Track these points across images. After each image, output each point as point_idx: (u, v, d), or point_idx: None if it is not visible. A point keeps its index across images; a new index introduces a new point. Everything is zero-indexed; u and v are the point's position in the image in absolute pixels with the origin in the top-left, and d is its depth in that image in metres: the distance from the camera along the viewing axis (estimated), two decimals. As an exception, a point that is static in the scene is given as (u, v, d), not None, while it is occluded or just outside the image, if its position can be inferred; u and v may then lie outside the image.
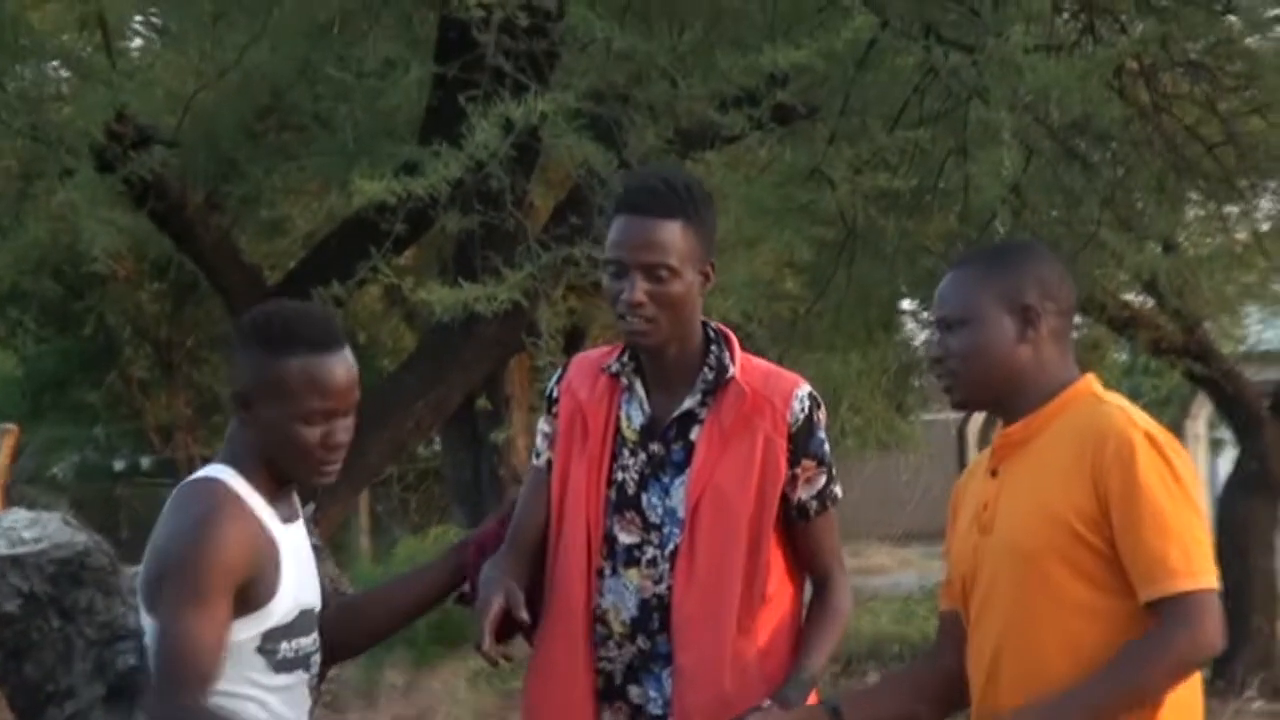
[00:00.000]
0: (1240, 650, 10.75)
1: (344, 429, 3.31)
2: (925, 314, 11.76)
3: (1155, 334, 11.17)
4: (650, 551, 3.58)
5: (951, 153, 6.99)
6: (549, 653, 3.60)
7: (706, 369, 3.62)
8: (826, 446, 3.68)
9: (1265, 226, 9.34)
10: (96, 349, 16.34)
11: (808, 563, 3.66)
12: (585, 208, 7.37)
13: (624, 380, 3.64)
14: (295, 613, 3.32)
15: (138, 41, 10.00)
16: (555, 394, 3.72)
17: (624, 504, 3.60)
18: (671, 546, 3.57)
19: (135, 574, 3.50)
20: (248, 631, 3.27)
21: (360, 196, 6.62)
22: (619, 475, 3.61)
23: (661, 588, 3.57)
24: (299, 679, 3.37)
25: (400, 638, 7.93)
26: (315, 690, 3.44)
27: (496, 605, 3.45)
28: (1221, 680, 10.63)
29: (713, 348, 3.63)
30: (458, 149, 6.54)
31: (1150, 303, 11.05)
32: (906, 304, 11.66)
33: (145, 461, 18.50)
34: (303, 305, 3.45)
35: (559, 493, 3.63)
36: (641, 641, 3.58)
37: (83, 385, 17.27)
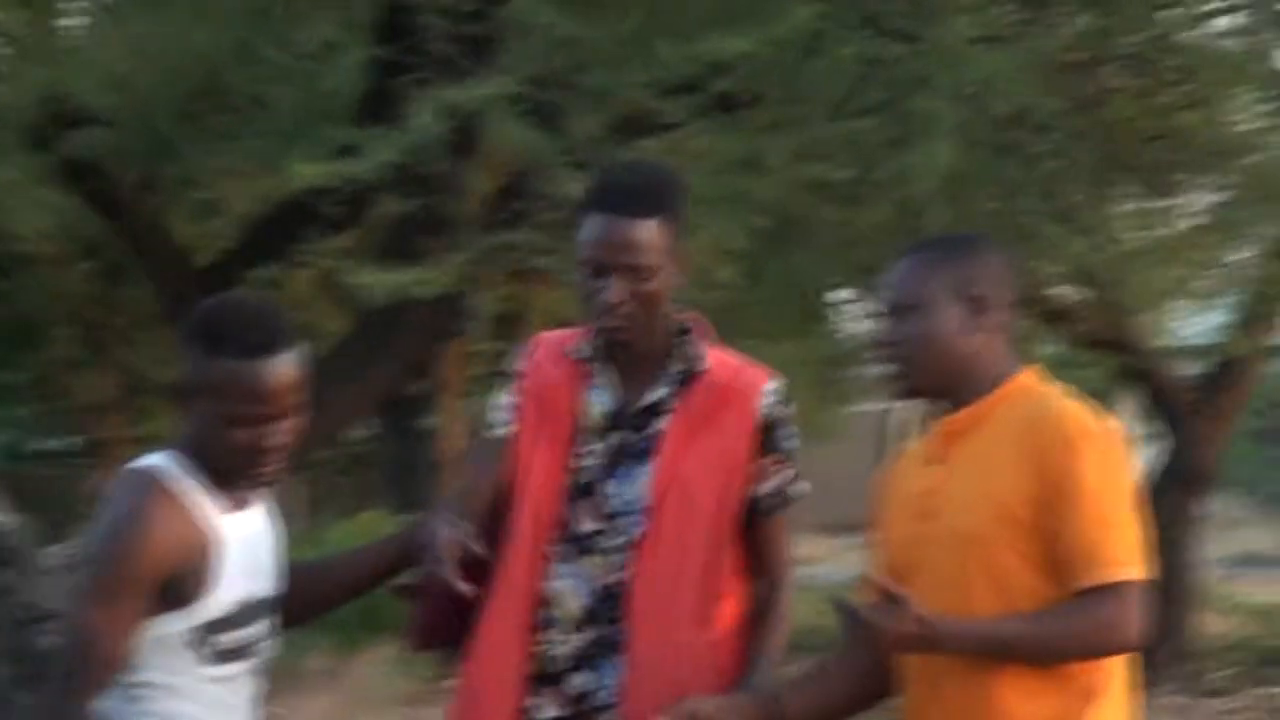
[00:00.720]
0: (1161, 643, 10.83)
1: (279, 432, 3.25)
2: (858, 304, 11.81)
3: (1085, 327, 11.23)
4: (609, 540, 3.57)
5: (890, 143, 7.01)
6: (489, 633, 3.58)
7: (677, 360, 3.60)
8: (791, 443, 3.67)
9: (1197, 221, 9.42)
10: (23, 329, 16.19)
11: (759, 560, 3.65)
12: (525, 194, 7.35)
13: (591, 366, 3.62)
14: (236, 604, 3.28)
15: (75, 20, 9.90)
16: (519, 369, 3.70)
17: (583, 491, 3.58)
18: (631, 536, 3.56)
19: (57, 555, 3.47)
20: (180, 624, 3.23)
21: (297, 179, 6.58)
22: (580, 461, 3.59)
23: (618, 577, 3.55)
24: (241, 668, 3.33)
25: (330, 620, 7.90)
26: (263, 675, 3.41)
27: (450, 534, 3.37)
28: (1142, 672, 10.69)
29: (683, 338, 3.62)
30: (397, 133, 6.52)
31: (1081, 295, 11.11)
32: (837, 295, 11.68)
33: (72, 442, 18.35)
34: (251, 304, 3.38)
35: (520, 473, 3.60)
36: (595, 630, 3.57)
37: (8, 365, 17.11)
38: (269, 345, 3.24)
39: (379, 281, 6.80)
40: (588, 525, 3.58)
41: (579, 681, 3.58)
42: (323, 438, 8.98)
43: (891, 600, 3.20)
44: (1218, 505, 14.80)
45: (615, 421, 3.61)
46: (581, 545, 3.58)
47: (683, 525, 3.55)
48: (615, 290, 3.51)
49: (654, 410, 3.60)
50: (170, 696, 3.25)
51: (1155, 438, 12.46)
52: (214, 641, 3.26)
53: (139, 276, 10.98)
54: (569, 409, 3.62)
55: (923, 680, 3.38)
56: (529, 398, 3.65)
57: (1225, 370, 11.36)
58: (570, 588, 3.58)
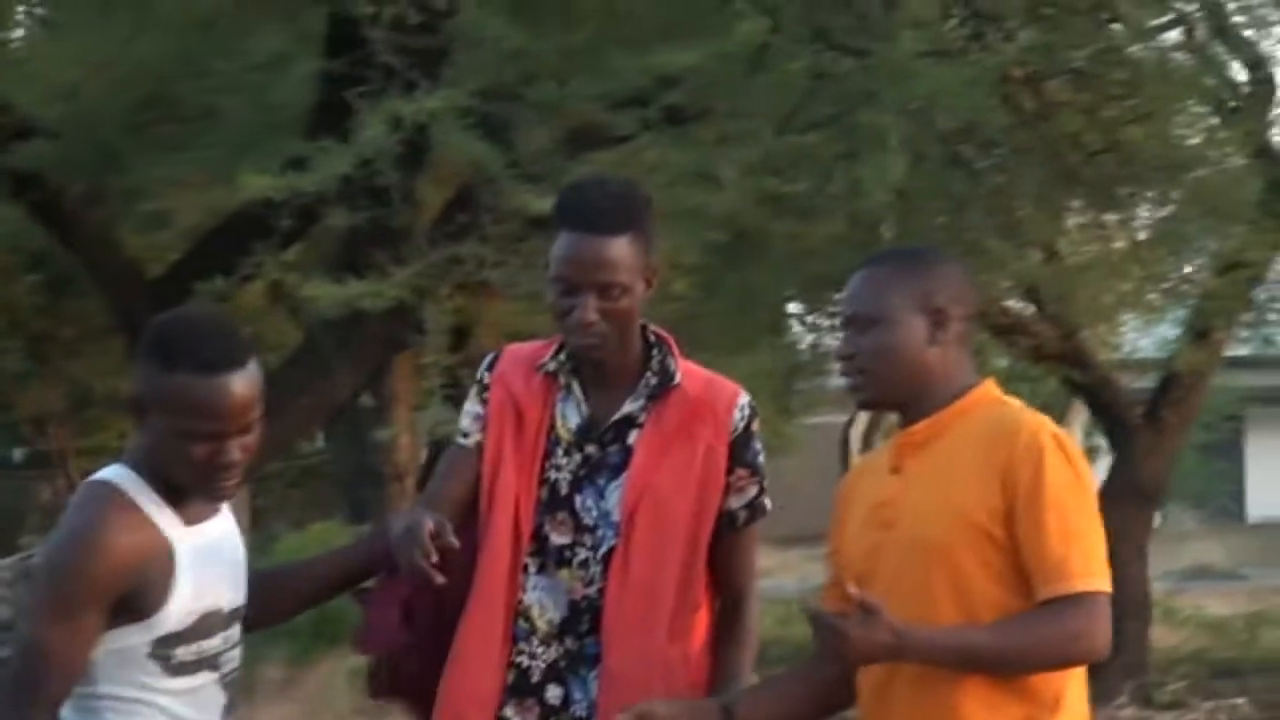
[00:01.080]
0: (1113, 656, 10.82)
1: (235, 448, 3.24)
2: (812, 317, 11.82)
3: (1034, 341, 11.26)
4: (582, 553, 3.58)
5: (840, 157, 7.03)
6: (466, 645, 3.58)
7: (649, 374, 3.61)
8: (761, 457, 3.69)
9: (1143, 235, 9.46)
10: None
11: (726, 574, 3.66)
12: (474, 206, 7.34)
13: (561, 379, 3.63)
14: (195, 616, 3.27)
15: (20, 32, 9.85)
16: (486, 380, 3.70)
17: (556, 504, 3.59)
18: (605, 549, 3.57)
19: (5, 566, 3.45)
20: (137, 638, 3.22)
21: (247, 191, 6.56)
22: (552, 475, 3.60)
23: (592, 590, 3.56)
24: (204, 680, 3.32)
25: (285, 630, 7.87)
26: (231, 686, 3.39)
27: (428, 523, 3.35)
28: (1093, 685, 10.72)
29: (655, 352, 3.63)
30: (346, 145, 6.50)
31: (1030, 309, 11.15)
32: (793, 307, 11.71)
33: (17, 454, 18.27)
34: (206, 319, 3.37)
35: (489, 484, 3.61)
36: (569, 642, 3.58)
37: (-46, 377, 17.01)
38: (224, 361, 3.24)
39: (329, 294, 6.78)
40: (560, 538, 3.59)
41: (553, 694, 3.59)
42: (274, 450, 8.95)
43: (863, 609, 3.20)
44: (1167, 519, 14.87)
45: (587, 435, 3.62)
46: (554, 558, 3.59)
47: (656, 539, 3.56)
48: (588, 308, 3.53)
49: (627, 424, 3.61)
50: (129, 709, 3.24)
51: (1105, 451, 12.51)
52: (173, 654, 3.26)
53: (87, 288, 10.93)
54: (540, 422, 3.63)
55: (880, 692, 3.38)
56: (498, 410, 3.66)
57: (1173, 384, 11.40)
58: (544, 600, 3.59)
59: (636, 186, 3.73)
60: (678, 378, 3.62)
